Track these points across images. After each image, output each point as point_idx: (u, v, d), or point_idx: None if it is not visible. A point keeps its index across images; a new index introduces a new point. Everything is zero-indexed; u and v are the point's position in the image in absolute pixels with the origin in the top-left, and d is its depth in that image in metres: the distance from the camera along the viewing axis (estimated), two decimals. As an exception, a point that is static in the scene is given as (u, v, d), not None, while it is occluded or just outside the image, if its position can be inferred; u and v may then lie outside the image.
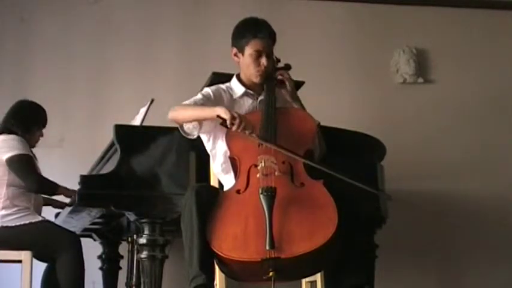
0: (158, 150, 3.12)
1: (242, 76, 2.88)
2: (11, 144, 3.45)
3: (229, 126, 2.49)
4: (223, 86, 2.90)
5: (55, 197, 3.71)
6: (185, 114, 2.70)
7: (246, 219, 2.34)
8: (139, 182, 3.06)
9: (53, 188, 3.50)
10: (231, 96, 2.86)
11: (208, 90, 2.85)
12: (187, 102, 2.75)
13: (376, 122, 4.80)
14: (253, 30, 2.76)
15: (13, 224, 3.35)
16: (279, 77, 2.81)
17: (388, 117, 5.03)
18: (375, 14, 5.27)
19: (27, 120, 3.59)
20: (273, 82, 2.82)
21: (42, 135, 3.68)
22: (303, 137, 2.63)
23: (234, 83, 2.89)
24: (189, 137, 2.76)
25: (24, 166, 3.41)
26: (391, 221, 3.71)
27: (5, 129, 3.55)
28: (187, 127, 2.74)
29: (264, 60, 2.76)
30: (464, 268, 4.86)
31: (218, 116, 2.51)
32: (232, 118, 2.48)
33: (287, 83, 2.82)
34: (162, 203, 3.06)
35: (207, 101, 2.77)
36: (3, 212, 3.38)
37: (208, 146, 2.84)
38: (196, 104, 2.74)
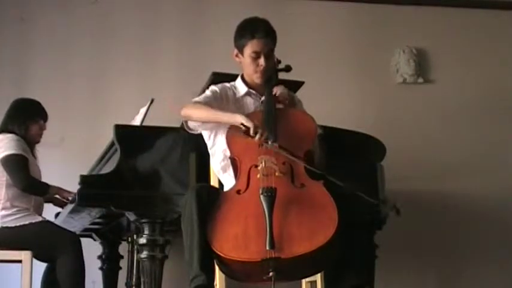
0: (158, 150, 3.11)
1: (245, 76, 2.90)
2: (5, 144, 3.47)
3: (252, 134, 2.48)
4: (228, 84, 2.93)
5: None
6: (201, 114, 2.70)
7: (246, 219, 2.34)
8: (139, 182, 3.06)
9: (41, 188, 3.51)
10: (235, 95, 2.89)
11: (215, 88, 2.88)
12: (197, 99, 2.77)
13: (376, 122, 4.80)
14: (251, 31, 2.76)
15: (13, 225, 3.36)
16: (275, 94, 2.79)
17: (388, 117, 5.03)
18: (375, 14, 5.27)
19: (21, 116, 3.62)
20: (274, 83, 2.83)
21: (44, 128, 3.69)
22: (303, 137, 2.63)
23: (239, 82, 2.92)
24: (192, 132, 2.79)
25: (13, 165, 3.43)
26: (391, 221, 3.70)
27: (3, 129, 3.57)
28: (192, 123, 2.75)
29: (262, 61, 2.76)
30: (464, 268, 4.85)
31: (242, 124, 2.51)
32: (256, 127, 2.48)
33: (284, 101, 2.80)
34: (162, 203, 3.06)
35: (214, 99, 2.78)
36: (3, 212, 3.40)
37: (208, 143, 2.86)
38: (206, 100, 2.75)
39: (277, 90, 2.79)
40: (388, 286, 4.10)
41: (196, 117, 2.72)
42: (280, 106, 2.79)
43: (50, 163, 3.98)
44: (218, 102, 2.78)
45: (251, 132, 2.48)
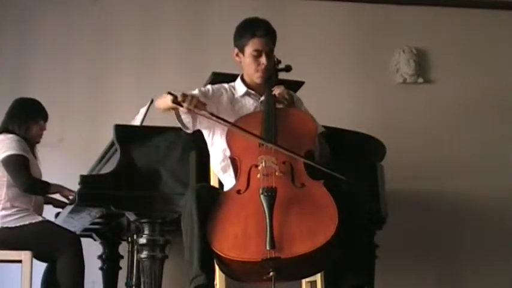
0: (158, 150, 3.11)
1: (245, 76, 2.90)
2: (6, 144, 3.46)
3: (180, 101, 2.48)
4: (226, 85, 2.93)
5: (56, 196, 3.72)
6: (160, 102, 2.71)
7: (246, 219, 2.33)
8: (139, 182, 3.06)
9: (43, 188, 3.51)
10: (233, 95, 2.89)
11: (208, 86, 2.89)
12: None
13: (376, 122, 4.80)
14: (252, 30, 2.76)
15: (13, 225, 3.35)
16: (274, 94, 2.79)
17: (388, 117, 5.03)
18: (375, 14, 5.27)
19: (22, 116, 3.61)
20: (274, 83, 2.83)
21: (44, 129, 3.69)
22: (303, 137, 2.63)
23: (238, 82, 2.92)
24: (186, 130, 2.77)
25: (14, 166, 3.42)
26: (391, 221, 3.71)
27: (4, 129, 3.56)
28: (185, 120, 2.74)
29: (263, 60, 2.77)
30: (464, 268, 4.86)
31: (169, 93, 2.51)
32: (183, 95, 2.49)
33: (284, 101, 2.80)
34: (162, 203, 3.05)
35: (201, 96, 2.76)
36: (3, 212, 3.39)
37: (208, 141, 2.87)
38: None
39: (276, 91, 2.79)
40: (388, 286, 4.10)
41: (157, 105, 2.74)
42: (279, 106, 2.79)
43: (50, 163, 3.97)
44: (208, 100, 2.73)
45: (179, 99, 2.49)
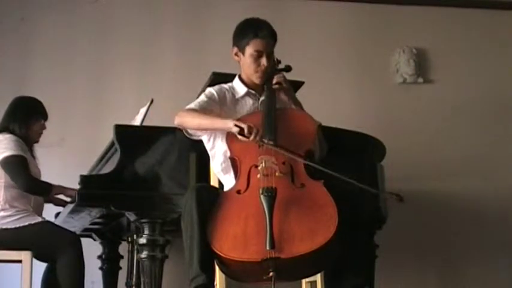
0: (158, 150, 3.11)
1: (243, 76, 2.89)
2: (5, 145, 3.45)
3: (247, 135, 2.49)
4: (225, 85, 2.91)
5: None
6: (194, 122, 2.70)
7: (246, 219, 2.33)
8: (139, 182, 3.06)
9: (45, 188, 3.50)
10: (234, 96, 2.88)
11: (211, 90, 2.86)
12: (192, 105, 2.75)
13: (376, 122, 4.80)
14: (254, 30, 2.76)
15: (12, 226, 3.34)
16: (275, 86, 2.80)
17: (388, 117, 5.03)
18: (375, 14, 5.28)
19: (23, 115, 3.59)
20: (273, 83, 2.83)
21: (44, 128, 3.68)
22: (303, 137, 2.63)
23: (236, 83, 2.90)
24: (193, 137, 2.78)
25: (14, 167, 3.41)
26: (391, 221, 3.71)
27: (4, 128, 3.55)
28: (191, 130, 2.75)
29: (264, 61, 2.76)
30: (464, 268, 4.86)
31: (235, 125, 2.52)
32: (250, 127, 2.49)
33: (283, 89, 2.82)
34: (162, 203, 3.05)
35: (211, 102, 2.77)
36: (2, 213, 3.37)
37: (208, 145, 2.85)
38: (201, 106, 2.74)
39: (276, 79, 2.79)
40: (388, 286, 4.10)
41: (190, 125, 2.72)
42: (282, 96, 2.80)
43: (50, 163, 3.97)
44: (217, 105, 2.76)
45: (245, 133, 2.49)
